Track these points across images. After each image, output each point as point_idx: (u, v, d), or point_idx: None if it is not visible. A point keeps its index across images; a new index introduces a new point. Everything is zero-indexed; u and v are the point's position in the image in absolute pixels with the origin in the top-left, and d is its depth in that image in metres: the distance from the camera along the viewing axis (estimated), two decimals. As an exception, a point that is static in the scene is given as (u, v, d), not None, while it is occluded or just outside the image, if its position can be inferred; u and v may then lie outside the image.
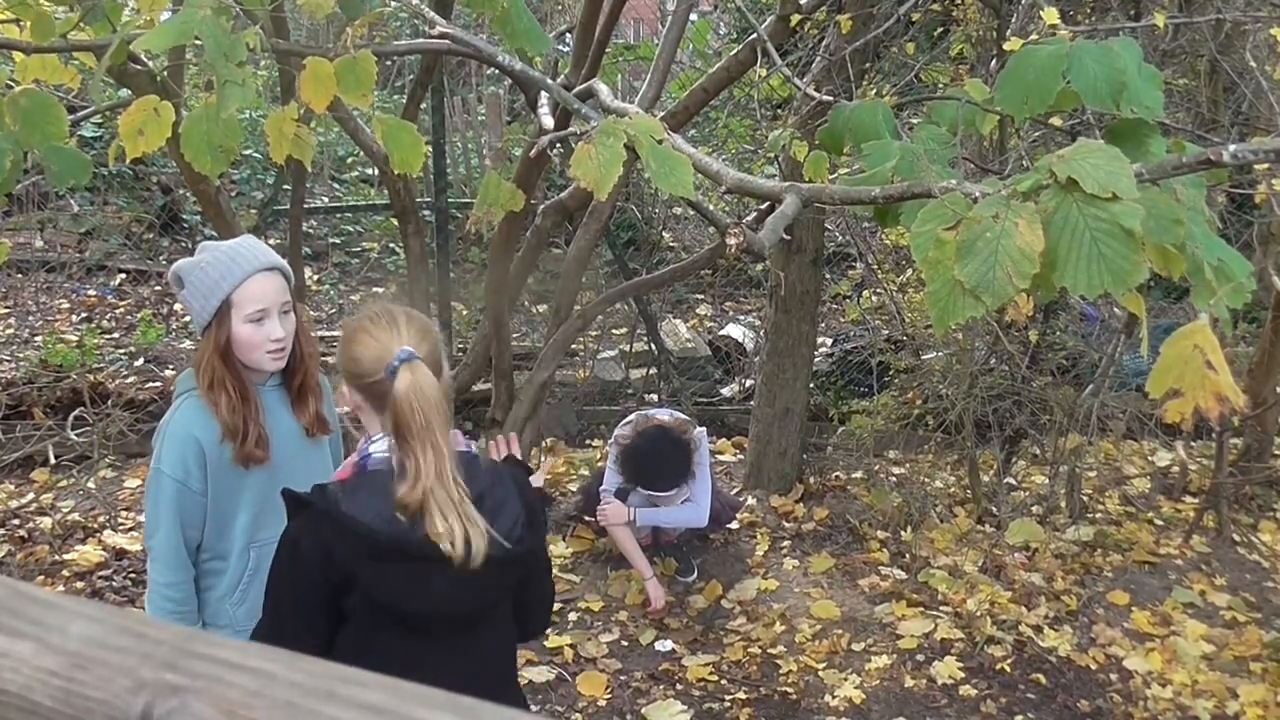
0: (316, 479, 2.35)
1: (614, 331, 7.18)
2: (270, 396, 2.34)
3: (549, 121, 3.00)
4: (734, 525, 5.07)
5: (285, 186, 5.95)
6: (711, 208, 2.90)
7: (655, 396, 6.44)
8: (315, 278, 7.84)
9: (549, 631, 4.21)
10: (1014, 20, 4.49)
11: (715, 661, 4.14)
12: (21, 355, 6.13)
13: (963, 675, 4.06)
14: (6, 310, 7.06)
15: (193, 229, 7.63)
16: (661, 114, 4.13)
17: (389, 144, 2.54)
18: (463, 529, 1.81)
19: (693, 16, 6.40)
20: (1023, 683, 4.06)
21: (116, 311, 7.26)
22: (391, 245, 8.01)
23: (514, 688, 2.15)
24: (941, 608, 4.50)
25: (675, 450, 4.44)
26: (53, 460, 5.06)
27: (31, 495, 4.91)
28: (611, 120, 2.06)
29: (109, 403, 5.25)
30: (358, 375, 1.92)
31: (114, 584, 4.32)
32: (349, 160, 9.00)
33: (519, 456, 2.24)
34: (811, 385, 5.95)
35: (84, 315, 7.11)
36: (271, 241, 7.49)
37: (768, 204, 2.72)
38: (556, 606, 4.36)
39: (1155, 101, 2.03)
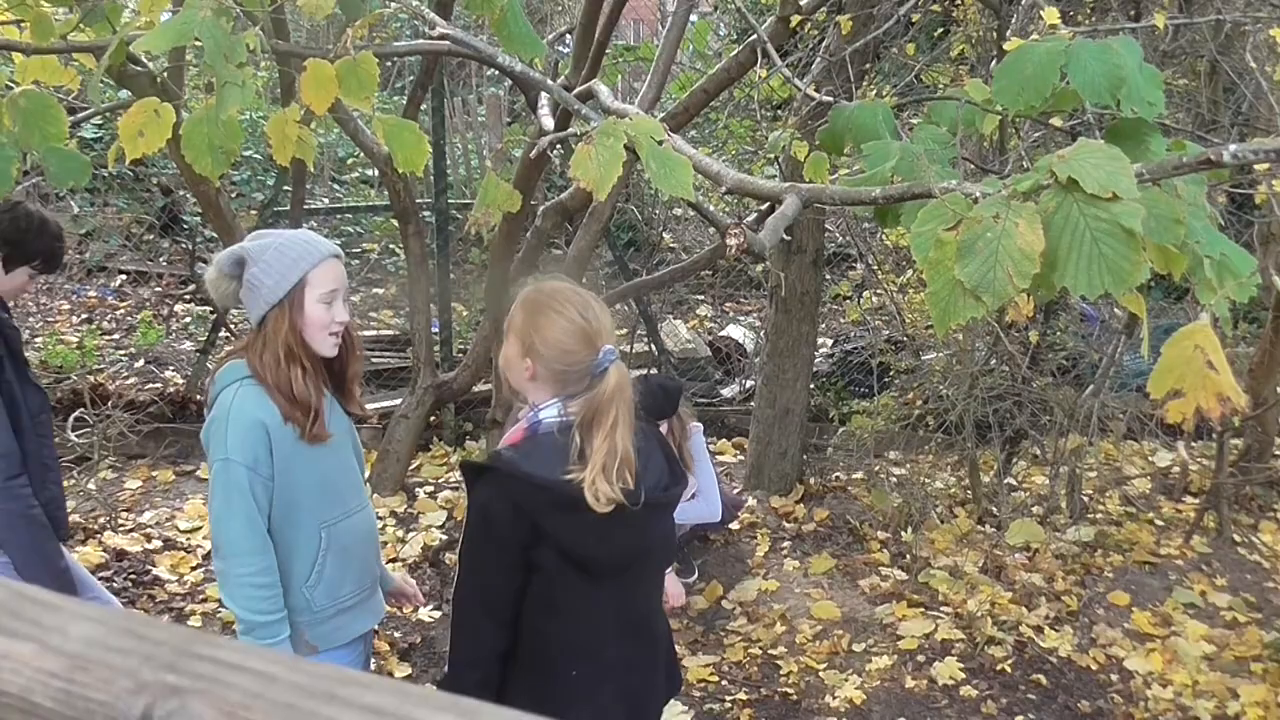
0: (354, 459, 2.48)
1: (614, 332, 7.17)
2: None
3: (549, 122, 3.01)
4: (735, 525, 5.07)
5: (285, 188, 5.95)
6: (712, 208, 2.91)
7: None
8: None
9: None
10: (1014, 21, 4.49)
11: (716, 662, 4.14)
12: (22, 356, 6.12)
13: (963, 676, 4.06)
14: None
15: (193, 230, 7.63)
16: (662, 115, 4.13)
17: (392, 143, 2.54)
18: (620, 495, 1.95)
19: (693, 18, 6.41)
20: (1023, 683, 4.06)
21: (117, 313, 7.26)
22: (392, 246, 8.00)
23: (662, 612, 2.31)
24: (942, 608, 4.50)
25: (665, 385, 4.36)
26: (53, 461, 5.06)
27: (32, 496, 4.91)
28: (611, 121, 2.06)
29: (109, 404, 5.25)
30: (555, 359, 2.02)
31: (114, 585, 4.31)
32: (349, 161, 9.00)
33: None
34: (812, 386, 5.95)
35: (84, 316, 7.11)
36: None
37: (768, 205, 2.72)
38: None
39: (1156, 99, 2.03)
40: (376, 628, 2.82)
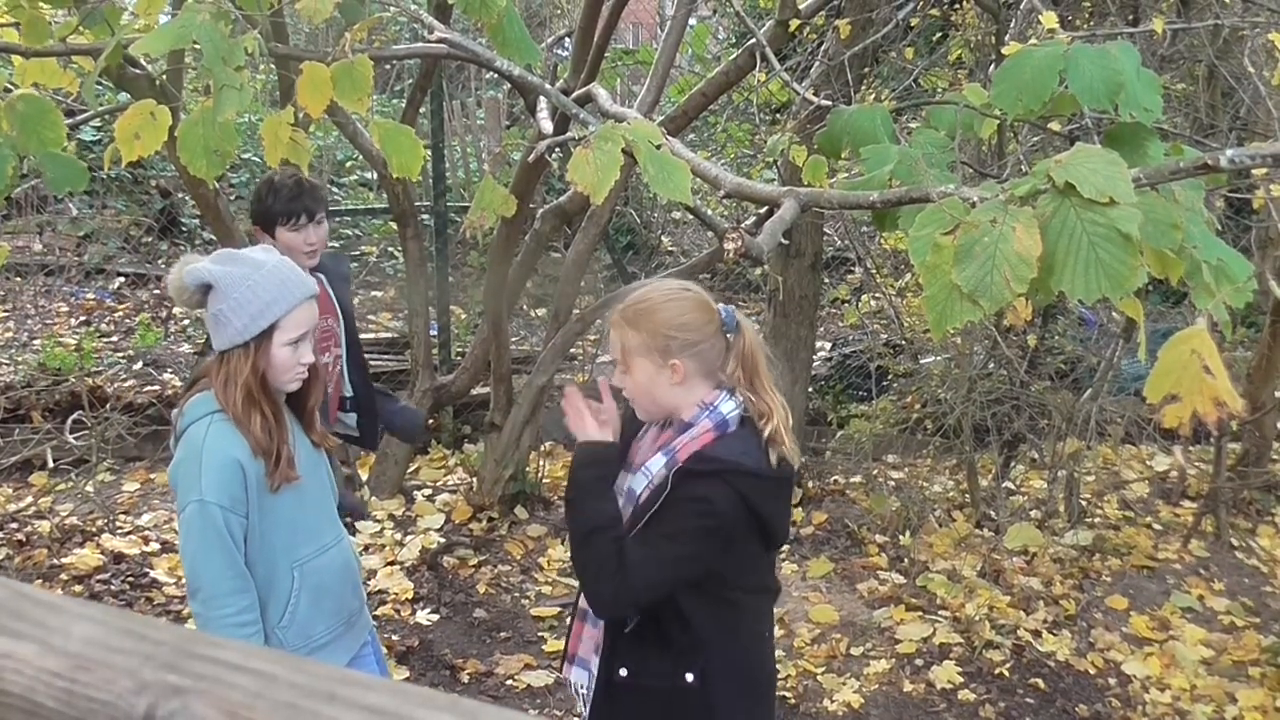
0: (328, 490, 2.37)
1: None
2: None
3: (548, 126, 3.01)
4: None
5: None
6: (710, 212, 2.91)
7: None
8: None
9: (547, 635, 4.21)
10: (1013, 25, 4.50)
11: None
12: (20, 359, 6.12)
13: (961, 680, 4.06)
14: (5, 314, 7.06)
15: (191, 232, 7.64)
16: (660, 118, 4.14)
17: (387, 148, 2.54)
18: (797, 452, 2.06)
19: (691, 21, 6.41)
20: (1021, 687, 4.06)
21: (115, 315, 7.26)
22: (390, 249, 8.00)
23: None
24: (940, 612, 4.50)
25: None
26: (51, 464, 5.06)
27: (30, 499, 4.91)
28: (609, 125, 2.07)
29: (107, 406, 5.25)
30: (693, 343, 2.03)
31: (112, 587, 4.31)
32: (348, 164, 9.00)
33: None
34: (810, 389, 5.95)
35: (82, 319, 7.11)
36: (270, 245, 7.51)
37: (766, 208, 2.73)
38: (555, 610, 4.37)
39: (1154, 104, 2.03)
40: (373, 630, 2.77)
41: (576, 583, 4.64)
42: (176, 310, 7.23)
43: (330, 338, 3.42)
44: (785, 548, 5.03)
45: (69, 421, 5.10)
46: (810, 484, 5.63)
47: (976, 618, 4.40)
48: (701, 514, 2.00)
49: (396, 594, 4.36)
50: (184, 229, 7.93)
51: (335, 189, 8.89)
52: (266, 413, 2.16)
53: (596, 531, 2.04)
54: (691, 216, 5.91)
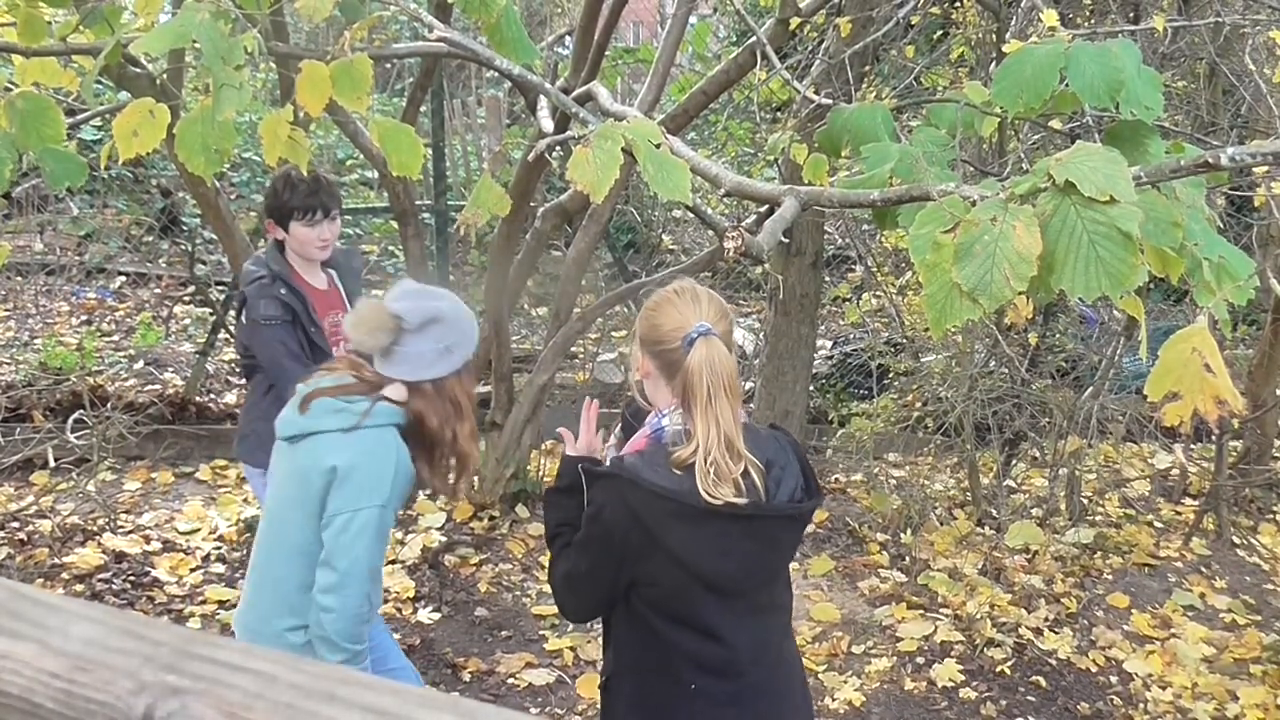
0: None
1: (614, 334, 7.18)
2: None
3: (548, 124, 3.01)
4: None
5: (285, 189, 5.94)
6: (711, 211, 2.91)
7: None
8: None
9: (548, 634, 4.21)
10: (1013, 23, 4.49)
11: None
12: (21, 358, 6.13)
13: (963, 678, 4.06)
14: (6, 313, 7.06)
15: (192, 232, 7.63)
16: (661, 117, 4.14)
17: (386, 146, 2.54)
18: (735, 494, 1.91)
19: (692, 19, 6.41)
20: (1023, 685, 4.06)
21: (116, 314, 7.26)
22: (391, 248, 8.01)
23: (793, 639, 2.24)
24: (941, 610, 4.50)
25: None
26: (52, 463, 5.06)
27: (31, 498, 4.91)
28: (609, 124, 2.07)
29: (109, 405, 5.25)
30: (655, 342, 2.02)
31: (114, 587, 4.31)
32: (348, 163, 9.00)
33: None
34: (811, 388, 5.95)
35: (84, 318, 7.11)
36: (271, 244, 7.51)
37: (767, 207, 2.72)
38: (555, 609, 4.36)
39: (1155, 102, 2.03)
40: None
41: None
42: (177, 310, 7.24)
43: (341, 332, 3.45)
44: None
45: (70, 421, 5.10)
46: (811, 482, 5.62)
47: (978, 616, 4.40)
48: (590, 520, 1.98)
49: (398, 592, 4.37)
50: (185, 228, 7.93)
51: (336, 188, 8.88)
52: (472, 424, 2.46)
53: (551, 543, 2.13)
54: (692, 215, 5.91)
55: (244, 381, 6.24)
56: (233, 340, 6.23)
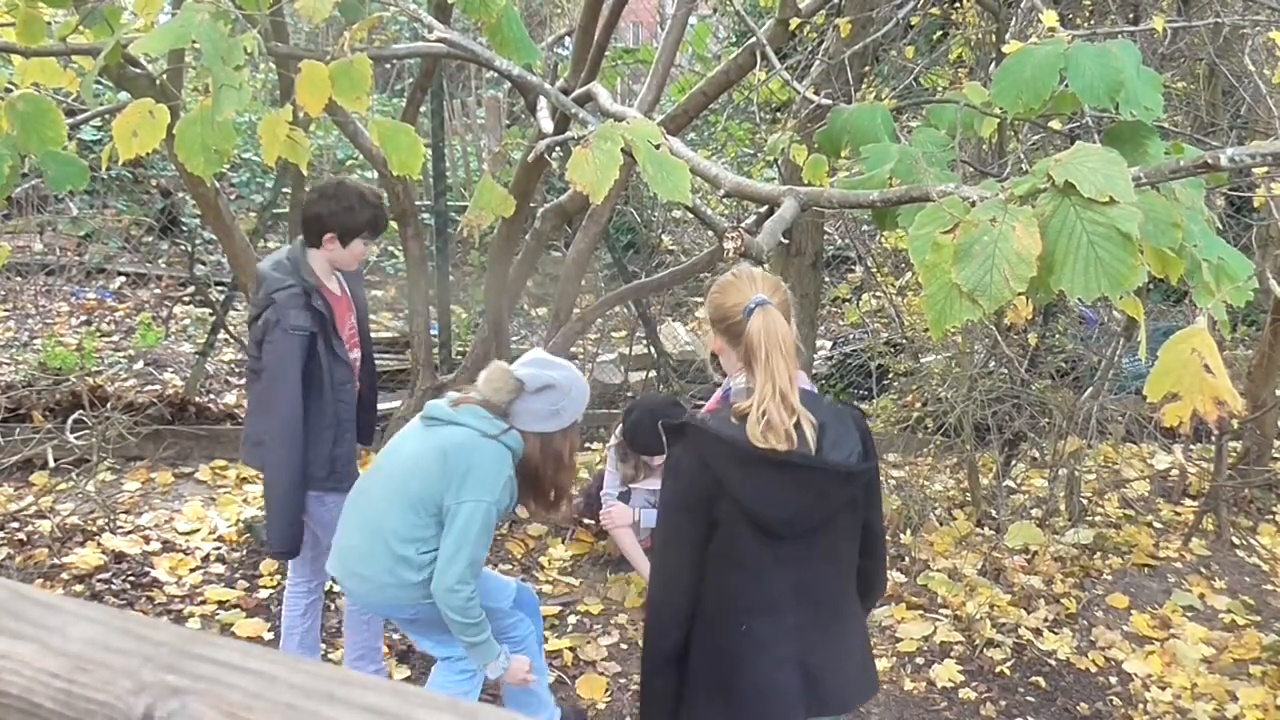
0: None
1: (613, 334, 7.19)
2: None
3: (548, 125, 3.00)
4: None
5: (285, 190, 5.95)
6: (710, 211, 2.92)
7: (651, 391, 6.44)
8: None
9: (549, 634, 4.21)
10: (1013, 24, 4.49)
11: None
12: (21, 358, 6.13)
13: (962, 678, 4.06)
14: (6, 313, 7.06)
15: (192, 232, 7.63)
16: (661, 117, 4.14)
17: (386, 146, 2.54)
18: (787, 444, 2.16)
19: (692, 20, 6.41)
20: (1022, 685, 4.06)
21: (116, 314, 7.26)
22: (391, 248, 8.01)
23: (852, 600, 2.41)
24: (941, 610, 4.50)
25: (672, 409, 4.38)
26: (52, 463, 5.06)
27: (31, 498, 4.91)
28: (608, 125, 2.07)
29: (108, 406, 5.25)
30: (721, 319, 2.30)
31: (113, 587, 4.31)
32: (348, 163, 9.00)
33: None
34: (810, 388, 5.93)
35: (83, 318, 7.11)
36: (271, 245, 7.50)
37: (766, 207, 2.72)
38: (555, 610, 4.37)
39: (1154, 102, 2.03)
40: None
41: (575, 582, 4.65)
42: (177, 310, 7.24)
43: (353, 336, 3.48)
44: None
45: (70, 421, 5.10)
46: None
47: (977, 616, 4.41)
48: (670, 471, 2.26)
49: (397, 593, 4.36)
50: (184, 228, 7.93)
51: (336, 188, 8.87)
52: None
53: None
54: (692, 215, 5.91)
55: (242, 382, 6.25)
56: (232, 340, 6.24)
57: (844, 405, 2.39)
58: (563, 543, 4.93)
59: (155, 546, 4.67)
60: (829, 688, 2.29)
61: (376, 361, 3.86)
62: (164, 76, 3.63)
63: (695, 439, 2.21)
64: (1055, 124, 2.98)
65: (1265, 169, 2.76)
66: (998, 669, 4.13)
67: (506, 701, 3.29)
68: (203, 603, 4.26)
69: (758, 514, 2.19)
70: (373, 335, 3.88)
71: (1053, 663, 4.20)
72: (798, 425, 2.18)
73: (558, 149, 2.61)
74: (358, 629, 3.51)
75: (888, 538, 5.07)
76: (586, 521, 4.86)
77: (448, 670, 3.14)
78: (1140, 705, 3.98)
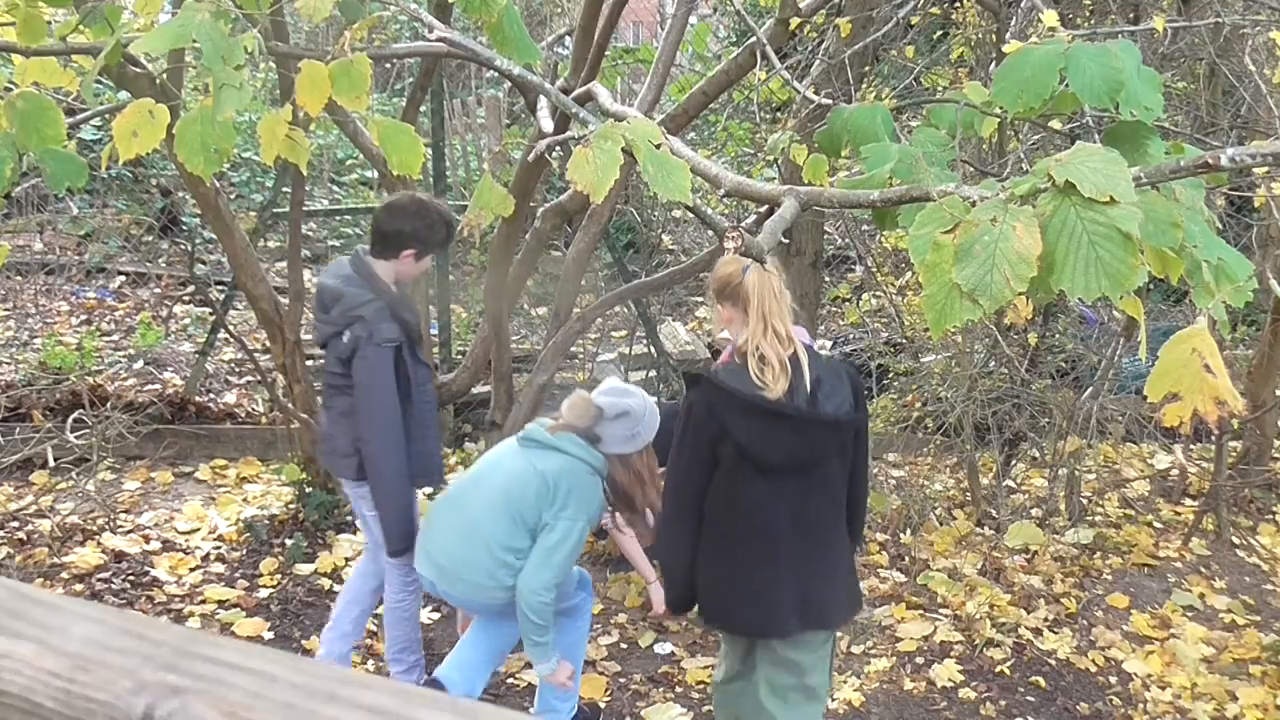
0: None
1: (613, 334, 7.19)
2: None
3: (548, 124, 3.00)
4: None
5: (285, 189, 5.95)
6: (710, 211, 2.93)
7: (655, 399, 6.44)
8: (314, 280, 7.83)
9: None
10: (1013, 24, 4.50)
11: (714, 664, 4.14)
12: (21, 358, 6.13)
13: (962, 678, 4.06)
14: (6, 313, 7.06)
15: (192, 231, 7.63)
16: (661, 117, 4.14)
17: (386, 146, 2.53)
18: (786, 379, 2.57)
19: (692, 20, 6.41)
20: (1022, 685, 4.06)
21: (116, 314, 7.26)
22: (391, 248, 7.99)
23: (841, 532, 2.82)
24: (941, 610, 4.50)
25: (673, 419, 4.37)
26: (52, 462, 5.06)
27: (31, 497, 4.92)
28: (608, 124, 2.06)
29: (108, 405, 5.25)
30: (723, 287, 2.68)
31: (113, 586, 4.31)
32: (348, 163, 9.01)
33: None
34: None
35: (83, 318, 7.11)
36: (271, 244, 7.50)
37: (766, 207, 2.72)
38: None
39: (1155, 102, 2.03)
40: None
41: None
42: (177, 310, 7.24)
43: None
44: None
45: (70, 420, 5.10)
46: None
47: (977, 616, 4.41)
48: (685, 412, 2.65)
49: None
50: (184, 228, 7.93)
51: (336, 187, 8.89)
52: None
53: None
54: (692, 215, 5.91)
55: (243, 381, 6.25)
56: (231, 339, 6.23)
57: (839, 360, 2.74)
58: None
59: (155, 546, 4.67)
60: (819, 606, 2.69)
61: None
62: (164, 76, 3.63)
63: (705, 388, 2.62)
64: (1055, 124, 2.98)
65: (1265, 169, 2.76)
66: (998, 669, 4.13)
67: (541, 691, 3.50)
68: (203, 602, 4.26)
69: (757, 455, 2.58)
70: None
71: (1053, 662, 4.20)
72: (794, 360, 2.58)
73: (558, 149, 2.61)
74: (399, 624, 3.59)
75: (888, 538, 5.09)
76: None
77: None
78: (1140, 705, 3.98)
